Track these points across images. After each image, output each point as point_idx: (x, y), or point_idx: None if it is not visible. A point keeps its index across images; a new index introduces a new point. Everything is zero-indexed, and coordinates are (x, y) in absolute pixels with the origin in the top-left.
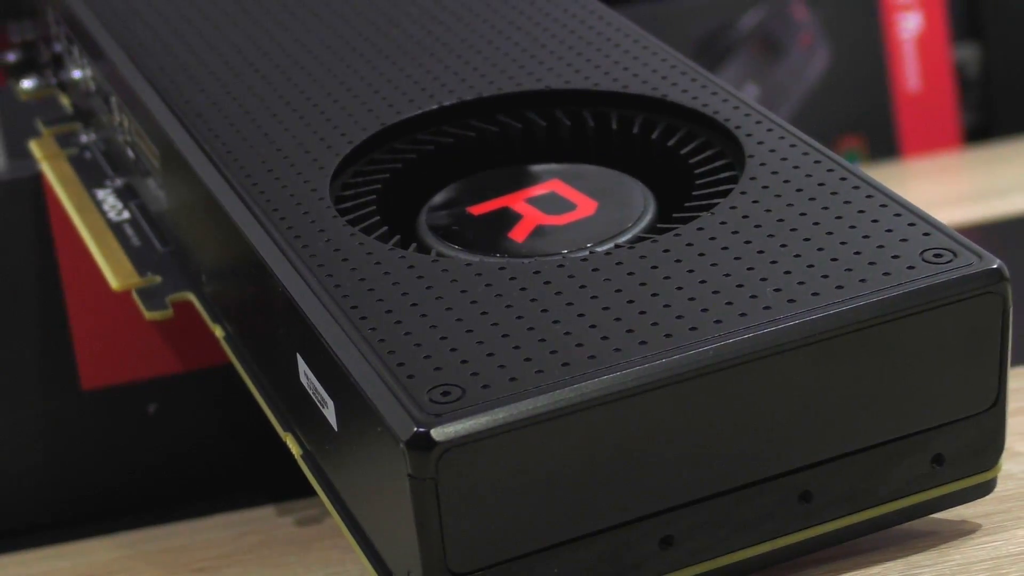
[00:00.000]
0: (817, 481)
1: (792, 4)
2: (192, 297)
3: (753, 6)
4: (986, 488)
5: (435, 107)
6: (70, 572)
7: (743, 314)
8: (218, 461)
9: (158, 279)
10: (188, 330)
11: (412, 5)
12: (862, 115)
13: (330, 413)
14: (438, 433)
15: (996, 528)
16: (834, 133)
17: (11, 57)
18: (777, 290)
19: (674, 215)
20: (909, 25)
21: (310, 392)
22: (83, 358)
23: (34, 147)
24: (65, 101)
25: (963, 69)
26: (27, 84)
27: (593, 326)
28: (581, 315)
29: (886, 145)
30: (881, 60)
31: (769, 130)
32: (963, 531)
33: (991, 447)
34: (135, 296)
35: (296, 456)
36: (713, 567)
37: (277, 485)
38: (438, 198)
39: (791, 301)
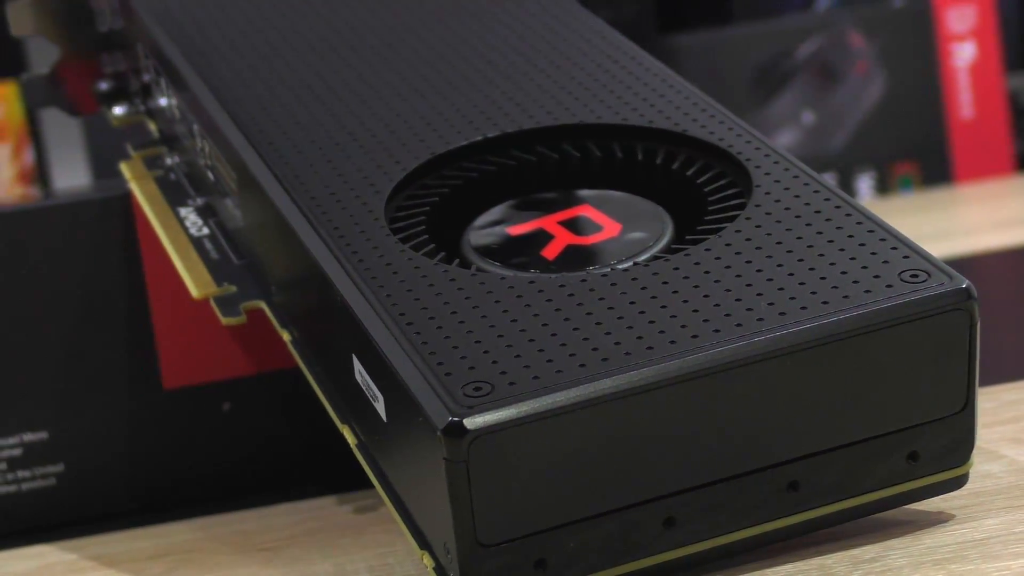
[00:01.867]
0: (804, 472)
1: (849, 33)
2: (263, 305)
3: (811, 35)
4: (958, 483)
5: (480, 138)
6: (150, 551)
7: (739, 324)
8: (284, 455)
9: (233, 289)
10: (260, 336)
11: (462, 44)
12: (916, 142)
13: (380, 406)
14: (470, 422)
15: (967, 518)
16: (888, 159)
17: (104, 86)
18: (770, 304)
19: (686, 237)
20: (964, 54)
21: (363, 388)
22: (165, 360)
23: (124, 168)
24: (152, 127)
25: (1016, 97)
26: (118, 111)
27: (608, 333)
28: (598, 323)
29: (940, 171)
30: (936, 88)
31: (776, 162)
32: (937, 520)
33: (962, 446)
34: (213, 304)
35: (352, 445)
36: (710, 546)
37: (336, 478)
38: (481, 219)
39: (782, 314)
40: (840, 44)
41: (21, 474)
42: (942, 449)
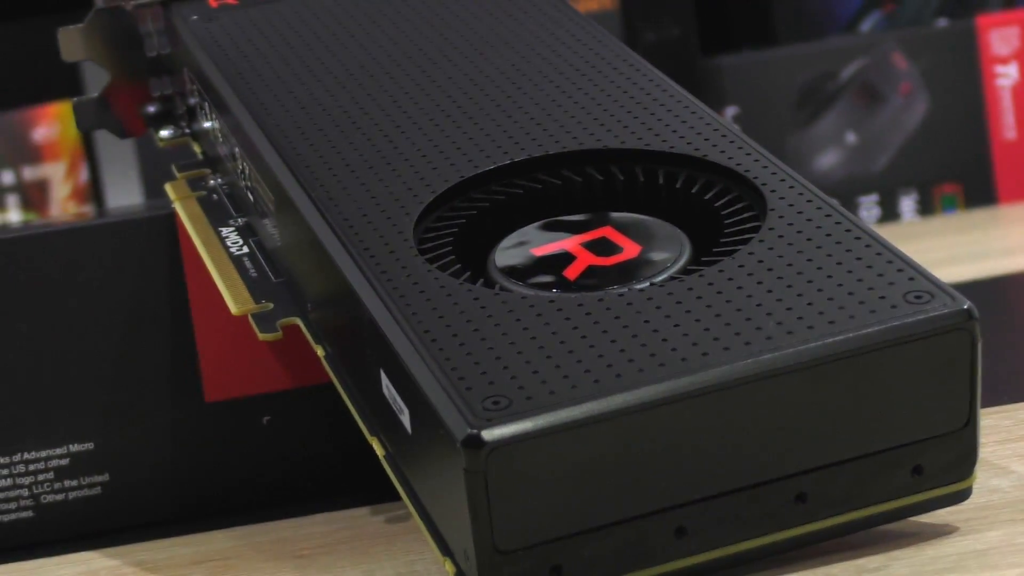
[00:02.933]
0: (811, 485)
1: (892, 54)
2: (299, 322)
3: (855, 56)
4: (961, 496)
5: (507, 162)
6: (190, 557)
7: (747, 343)
8: (321, 467)
9: (271, 306)
10: (299, 351)
11: (493, 71)
12: (959, 162)
13: (405, 419)
14: (488, 435)
15: (970, 530)
16: (932, 180)
17: (152, 109)
18: (779, 323)
19: (702, 259)
20: (1007, 76)
21: (390, 402)
22: (207, 374)
23: (169, 189)
24: (196, 149)
25: None
26: (165, 133)
27: (622, 350)
28: (613, 341)
29: (983, 192)
30: (979, 109)
31: (791, 187)
32: (942, 532)
33: (965, 461)
34: (251, 320)
35: (380, 456)
36: (720, 555)
37: (371, 489)
38: (507, 241)
39: (789, 333)
40: (884, 66)
41: (68, 483)
42: (946, 464)
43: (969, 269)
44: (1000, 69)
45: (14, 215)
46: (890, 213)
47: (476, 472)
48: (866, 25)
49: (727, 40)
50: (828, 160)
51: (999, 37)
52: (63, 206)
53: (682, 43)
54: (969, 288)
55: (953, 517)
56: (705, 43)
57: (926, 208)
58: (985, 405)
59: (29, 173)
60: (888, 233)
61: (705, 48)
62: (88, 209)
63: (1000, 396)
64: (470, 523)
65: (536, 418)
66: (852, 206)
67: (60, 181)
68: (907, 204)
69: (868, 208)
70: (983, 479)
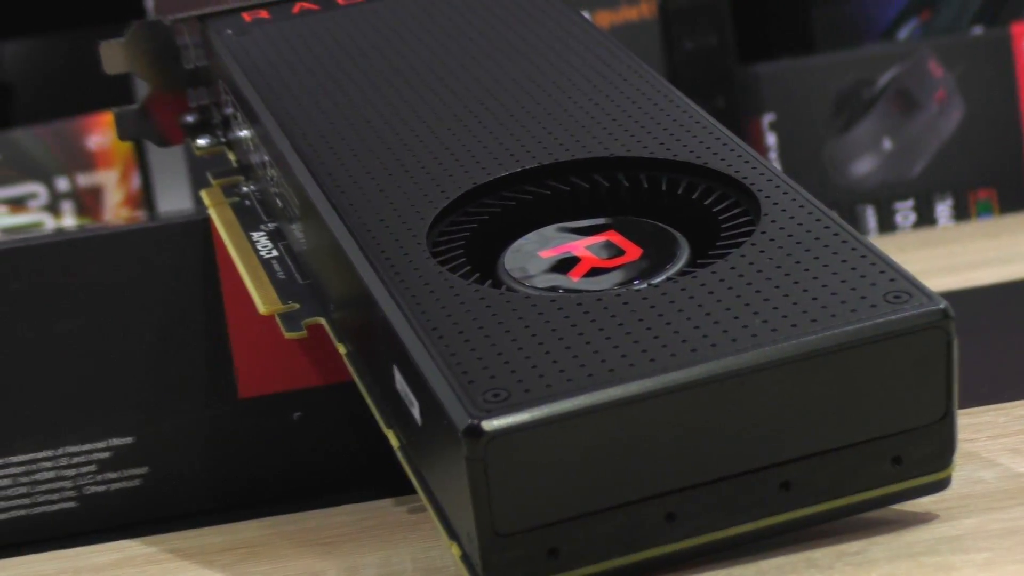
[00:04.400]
0: (795, 473)
1: (928, 62)
2: (323, 321)
3: (891, 64)
4: (939, 486)
5: (518, 169)
6: (222, 545)
7: (734, 339)
8: (348, 460)
9: (297, 306)
10: (327, 350)
11: (506, 82)
12: (994, 168)
13: (415, 412)
14: (487, 425)
15: (948, 517)
16: (966, 186)
17: (189, 119)
18: (764, 322)
19: (698, 261)
20: None
21: (402, 396)
22: (241, 371)
23: (204, 195)
24: (231, 157)
25: None
26: (201, 142)
27: (616, 346)
28: (608, 338)
29: (1018, 197)
30: (1014, 116)
31: (785, 193)
32: (921, 519)
33: (943, 452)
34: (277, 319)
35: (395, 448)
36: (708, 540)
37: (393, 481)
38: (516, 244)
39: (774, 330)
40: (920, 73)
41: (109, 475)
42: (924, 454)
43: (1002, 272)
44: None
45: (69, 220)
46: (926, 218)
47: (476, 460)
48: (903, 33)
49: (766, 48)
50: (864, 166)
51: None
52: (116, 212)
53: (719, 51)
54: (1000, 291)
55: (935, 505)
56: (744, 51)
57: (961, 213)
58: (985, 402)
59: (83, 180)
60: (923, 238)
61: (745, 56)
62: (140, 215)
63: (1000, 394)
64: (472, 508)
65: (533, 409)
66: (888, 211)
67: (113, 187)
68: (942, 209)
69: (904, 213)
70: (969, 470)
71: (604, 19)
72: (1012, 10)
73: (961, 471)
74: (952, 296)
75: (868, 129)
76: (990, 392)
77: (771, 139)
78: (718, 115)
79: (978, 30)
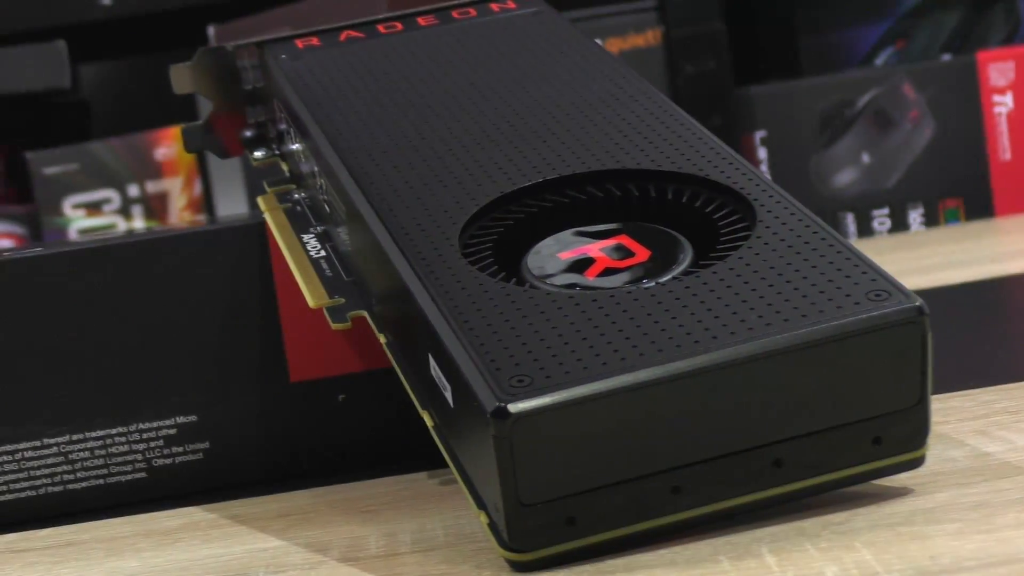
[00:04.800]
0: (787, 452)
1: (903, 85)
2: (366, 314)
3: (870, 86)
4: (915, 463)
5: (541, 180)
6: (276, 511)
7: (732, 333)
8: (387, 437)
9: (342, 300)
10: (369, 339)
11: (532, 101)
12: (962, 180)
13: (448, 395)
14: (513, 407)
15: (923, 492)
16: (937, 195)
17: (248, 133)
18: (760, 317)
19: (700, 262)
20: (1004, 104)
21: (436, 381)
22: (292, 358)
23: (260, 201)
24: (284, 167)
25: None
26: (258, 154)
27: (627, 338)
28: (620, 330)
29: (982, 206)
30: (979, 134)
31: (778, 202)
32: (899, 493)
33: (918, 433)
34: (325, 312)
35: (430, 427)
36: (709, 511)
37: (428, 456)
38: (539, 246)
39: (768, 324)
40: (895, 95)
41: (175, 449)
42: (901, 435)
43: (968, 272)
44: (998, 98)
45: (138, 222)
46: (900, 224)
47: (503, 438)
48: (880, 59)
49: (759, 72)
50: (845, 177)
51: (997, 70)
52: (180, 216)
53: (717, 75)
54: (966, 289)
55: (911, 481)
56: (738, 74)
57: (931, 220)
58: (956, 389)
59: (152, 187)
60: (897, 242)
61: (740, 79)
62: (201, 218)
63: (966, 381)
64: (499, 481)
65: (554, 394)
66: (866, 218)
67: (178, 194)
68: (915, 216)
69: (880, 220)
70: (941, 450)
71: (614, 46)
72: (977, 40)
73: (934, 450)
74: (923, 294)
75: (849, 145)
76: (957, 379)
77: (763, 153)
78: (715, 132)
79: (947, 57)
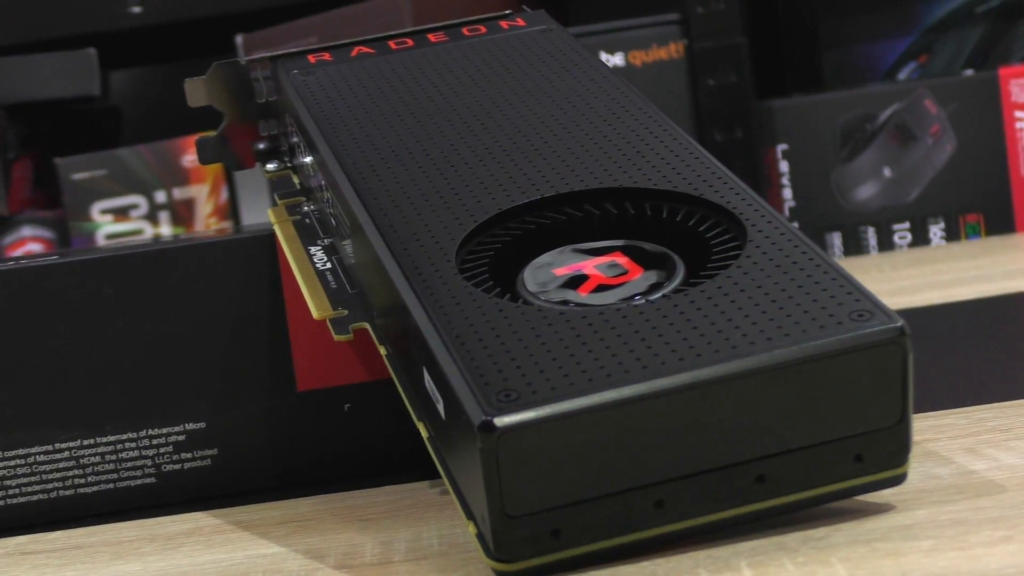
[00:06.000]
0: (769, 468)
1: (925, 100)
2: (367, 326)
3: (891, 101)
4: (896, 481)
5: (538, 197)
6: (278, 518)
7: (716, 351)
8: (391, 447)
9: (345, 312)
10: (374, 350)
11: (533, 119)
12: (982, 195)
13: (440, 407)
14: (499, 421)
15: (904, 508)
16: (957, 210)
17: (261, 146)
18: (744, 335)
19: (690, 280)
20: None
21: (430, 393)
22: (299, 368)
23: (271, 213)
24: (295, 180)
25: None
26: (270, 166)
27: (614, 355)
28: (607, 347)
29: (1003, 221)
30: (1000, 149)
31: (769, 222)
32: (879, 509)
33: (900, 451)
34: (328, 324)
35: (425, 438)
36: (692, 525)
37: (429, 467)
38: (534, 262)
39: (752, 343)
40: (917, 109)
41: (184, 456)
42: (883, 453)
43: (983, 288)
44: (1019, 114)
45: (165, 228)
46: (920, 239)
47: (489, 451)
48: (903, 74)
49: (781, 86)
50: (866, 192)
51: (1019, 86)
52: (206, 222)
53: (739, 88)
54: (978, 305)
55: (895, 498)
56: (761, 88)
57: (952, 235)
58: (951, 406)
59: (178, 193)
60: (918, 256)
61: (762, 92)
62: (227, 224)
63: (964, 399)
64: (485, 492)
65: (539, 408)
66: (887, 233)
67: (204, 200)
68: (935, 231)
69: (901, 234)
70: (928, 467)
71: (637, 59)
72: (999, 56)
73: (920, 467)
74: (934, 309)
75: (870, 159)
76: (956, 397)
77: (784, 166)
78: (737, 145)
79: (969, 73)
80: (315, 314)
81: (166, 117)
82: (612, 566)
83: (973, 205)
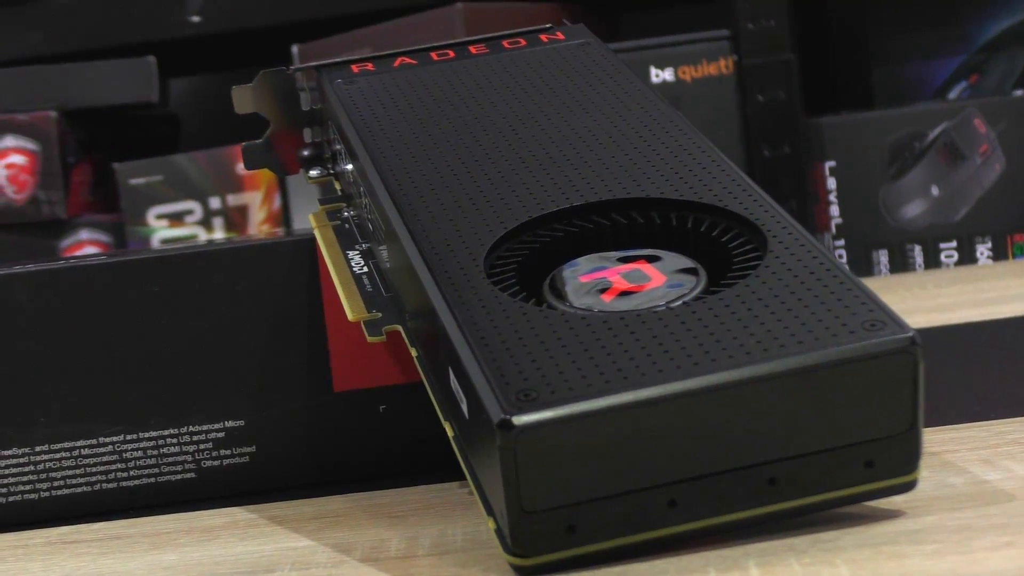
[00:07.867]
0: (781, 472)
1: (974, 119)
2: (400, 328)
3: (941, 120)
4: (906, 487)
5: (567, 206)
6: (311, 514)
7: (731, 356)
8: (424, 447)
9: (379, 315)
10: (408, 354)
11: (565, 130)
12: None
13: (464, 407)
14: (517, 420)
15: (913, 514)
16: (1005, 229)
17: (305, 153)
18: (758, 342)
19: (711, 289)
20: None
21: (455, 393)
22: (336, 369)
23: (311, 218)
24: (337, 186)
25: None
26: (314, 173)
27: (632, 358)
28: (626, 351)
29: None
30: None
31: (790, 233)
32: (889, 515)
33: (910, 458)
34: (362, 326)
35: (450, 437)
36: (704, 525)
37: (459, 468)
38: (561, 269)
39: (766, 350)
40: (966, 128)
41: (223, 452)
42: (893, 460)
43: (1022, 307)
44: None
45: (219, 234)
46: (967, 257)
47: (508, 449)
48: (953, 93)
49: (831, 102)
50: (914, 210)
51: None
52: (259, 228)
53: (788, 105)
54: (1016, 323)
55: (906, 504)
56: (810, 104)
57: (999, 254)
58: (976, 419)
59: (232, 200)
60: (962, 275)
61: (810, 108)
62: (279, 230)
63: (989, 413)
64: (503, 489)
65: (557, 408)
66: (933, 251)
67: (257, 207)
68: (982, 250)
69: (948, 253)
70: (943, 476)
71: (687, 74)
72: None
73: (935, 476)
74: (972, 326)
75: (918, 177)
76: (982, 411)
77: (831, 183)
78: (785, 161)
79: (1020, 93)
80: (350, 316)
81: (222, 125)
82: (625, 563)
83: (1021, 225)
